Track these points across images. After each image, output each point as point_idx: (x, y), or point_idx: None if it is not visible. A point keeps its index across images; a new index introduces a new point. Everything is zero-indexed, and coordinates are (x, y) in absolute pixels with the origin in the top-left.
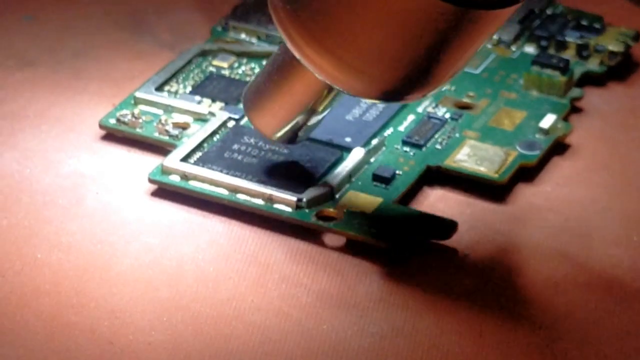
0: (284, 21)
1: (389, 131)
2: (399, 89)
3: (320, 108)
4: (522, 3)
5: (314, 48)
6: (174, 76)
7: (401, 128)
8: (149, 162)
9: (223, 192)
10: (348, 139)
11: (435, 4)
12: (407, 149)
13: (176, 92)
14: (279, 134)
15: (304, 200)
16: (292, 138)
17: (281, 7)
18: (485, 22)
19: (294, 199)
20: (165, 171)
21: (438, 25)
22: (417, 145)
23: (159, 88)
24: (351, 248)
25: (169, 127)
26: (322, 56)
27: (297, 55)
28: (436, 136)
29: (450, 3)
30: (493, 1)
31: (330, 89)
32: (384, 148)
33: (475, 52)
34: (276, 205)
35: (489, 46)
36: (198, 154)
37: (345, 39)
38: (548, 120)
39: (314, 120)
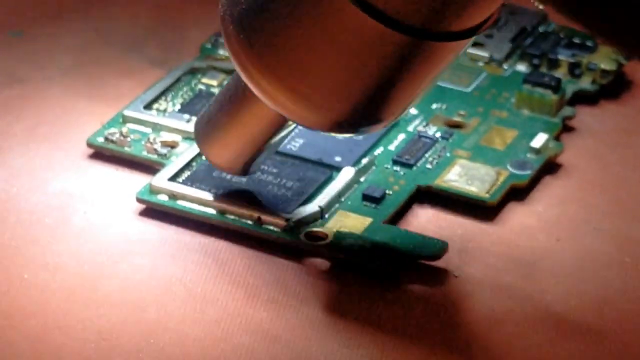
0: (237, 50)
1: (379, 150)
2: (352, 120)
3: (273, 140)
4: (473, 38)
5: (266, 78)
6: (162, 94)
7: (391, 147)
8: (137, 181)
9: (211, 211)
10: (338, 158)
11: (388, 35)
12: (397, 168)
13: (165, 111)
14: (231, 166)
15: (293, 220)
16: (244, 170)
17: (234, 36)
18: (440, 53)
19: (283, 219)
20: (153, 190)
21: (391, 56)
22: (407, 165)
23: (148, 106)
24: (340, 268)
25: (158, 146)
26: (275, 86)
27: (249, 84)
28: (427, 155)
29: (404, 34)
30: (449, 34)
31: (283, 120)
32: (374, 167)
33: (429, 84)
34: (265, 225)
35: (481, 64)
36: (186, 173)
37: (296, 68)
38: (540, 140)
39: (265, 152)
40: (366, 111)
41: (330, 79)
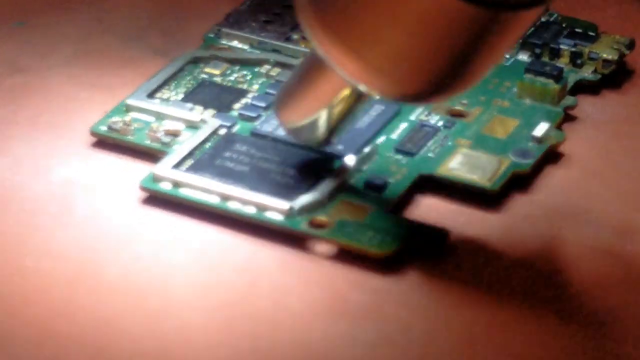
0: (310, 21)
1: (381, 139)
2: (423, 91)
3: (348, 111)
4: (548, 4)
5: (338, 47)
6: (165, 83)
7: (393, 136)
8: (140, 169)
9: (214, 199)
10: (340, 147)
11: (460, 7)
12: (399, 156)
13: (168, 99)
14: (312, 137)
15: (296, 208)
16: (326, 139)
17: (307, 6)
18: (512, 23)
19: (286, 207)
20: (156, 179)
21: (463, 28)
22: (409, 153)
23: (151, 95)
24: (343, 256)
25: (161, 135)
26: (347, 55)
27: (321, 54)
28: (429, 144)
29: (476, 5)
30: (519, 2)
31: (357, 92)
32: (376, 156)
33: (502, 55)
34: (267, 213)
35: None
36: (189, 162)
37: (369, 39)
38: (541, 129)
39: (347, 120)
40: (438, 83)
41: (402, 49)
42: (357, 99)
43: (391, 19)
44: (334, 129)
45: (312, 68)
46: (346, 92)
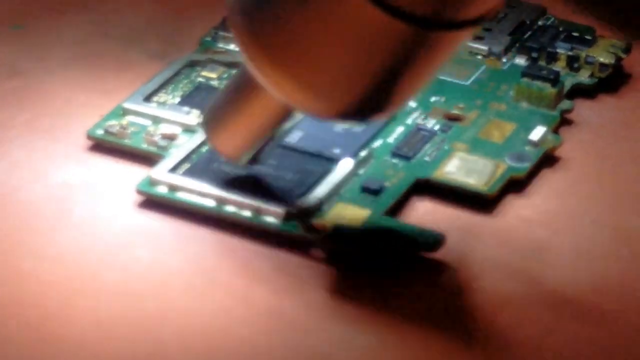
0: (243, 39)
1: (377, 143)
2: (357, 110)
3: (281, 128)
4: (481, 25)
5: (271, 66)
6: (162, 87)
7: (390, 139)
8: (137, 173)
9: (211, 203)
10: (336, 151)
11: (394, 25)
12: (395, 160)
13: (165, 103)
14: (239, 156)
15: (292, 211)
16: (253, 160)
17: (241, 25)
18: (445, 43)
19: (282, 210)
20: (153, 182)
21: (398, 46)
22: (406, 157)
23: (147, 98)
24: (339, 260)
25: (157, 138)
26: (280, 74)
27: (255, 73)
28: (425, 148)
29: (410, 24)
30: (454, 23)
31: (288, 110)
32: (372, 160)
33: (434, 72)
34: (264, 217)
35: (479, 57)
36: (186, 165)
37: (302, 57)
38: (538, 133)
39: (274, 140)
40: (371, 101)
41: (335, 68)
42: (285, 119)
43: (324, 37)
44: (261, 149)
45: (244, 88)
46: (280, 112)
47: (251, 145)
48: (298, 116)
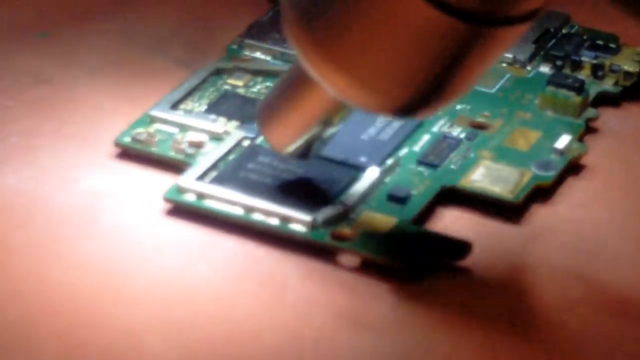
0: (296, 35)
1: (404, 151)
2: (411, 106)
3: (332, 123)
4: (534, 20)
5: (325, 62)
6: (189, 94)
7: (416, 148)
8: (164, 180)
9: (238, 211)
10: (363, 159)
11: (448, 22)
12: (422, 168)
13: (191, 111)
14: (291, 149)
15: (319, 220)
16: (304, 153)
17: (294, 20)
18: (498, 39)
19: (309, 218)
20: (180, 190)
21: (451, 43)
22: (432, 165)
23: (174, 106)
24: (366, 268)
25: (184, 146)
26: (334, 71)
27: (309, 69)
28: (451, 156)
29: (464, 21)
30: (506, 18)
31: (341, 105)
32: (398, 168)
33: (488, 68)
34: (291, 225)
35: (504, 65)
36: (213, 173)
37: (357, 54)
38: (563, 141)
39: (325, 135)
40: (423, 97)
41: (389, 64)
42: (338, 114)
43: (378, 33)
44: (312, 143)
45: (297, 82)
46: (334, 107)
47: (301, 137)
48: (350, 111)
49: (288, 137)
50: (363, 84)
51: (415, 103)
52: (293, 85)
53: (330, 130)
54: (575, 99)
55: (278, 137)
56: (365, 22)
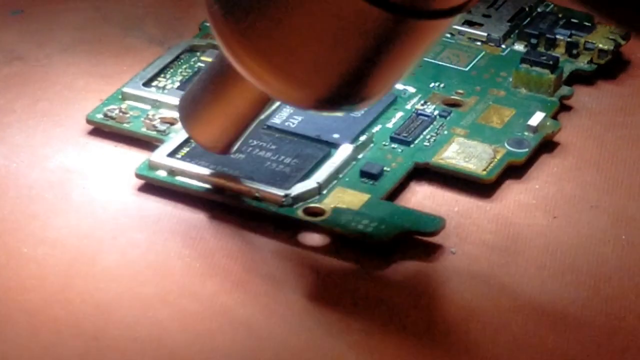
0: (221, 28)
1: (377, 128)
2: (334, 99)
3: (257, 119)
4: (458, 15)
5: (249, 55)
6: (162, 71)
7: (389, 125)
8: (136, 157)
9: (209, 187)
10: (336, 135)
11: (368, 11)
12: (395, 145)
13: (164, 88)
14: (215, 145)
15: (291, 196)
16: (227, 149)
17: (218, 14)
18: (423, 32)
19: (281, 194)
20: (152, 166)
21: (373, 33)
22: (405, 142)
23: (147, 83)
24: (338, 244)
25: (157, 123)
26: (257, 62)
27: (233, 62)
28: (424, 133)
29: (385, 11)
30: (431, 12)
31: (266, 99)
32: (372, 144)
33: (413, 63)
34: (263, 201)
35: (478, 43)
36: (185, 149)
37: (280, 45)
38: (537, 118)
39: (249, 131)
40: (349, 90)
41: (312, 56)
42: (263, 108)
43: (303, 23)
44: (237, 139)
45: (222, 77)
46: (257, 101)
47: (228, 134)
48: (275, 104)
49: (214, 134)
50: (287, 77)
51: (336, 96)
52: (217, 80)
53: (255, 127)
54: (549, 76)
55: (204, 134)
56: (285, 12)
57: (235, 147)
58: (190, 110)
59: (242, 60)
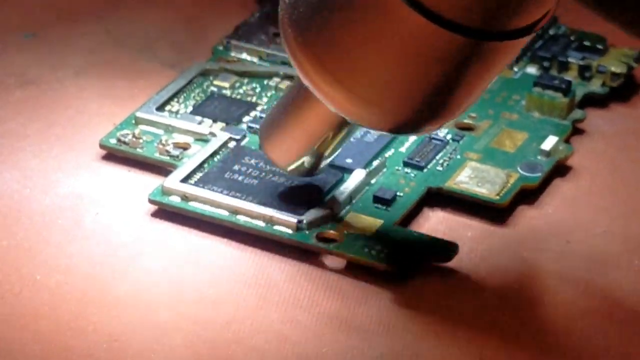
0: (296, 52)
1: (390, 152)
2: (412, 122)
3: (335, 141)
4: (534, 34)
5: (325, 80)
6: (175, 96)
7: (402, 149)
8: (149, 182)
9: (223, 213)
10: (349, 160)
11: (448, 37)
12: (408, 170)
13: (177, 112)
14: (294, 166)
15: (305, 221)
16: (309, 171)
17: (293, 38)
18: (498, 53)
19: (295, 220)
20: (165, 192)
21: (451, 58)
22: (418, 167)
23: (160, 108)
24: (352, 270)
25: (170, 148)
26: (334, 88)
27: (309, 87)
28: (437, 157)
29: (461, 35)
30: (505, 33)
31: (343, 122)
32: (385, 169)
33: (489, 83)
34: (276, 227)
35: None
36: (199, 175)
37: (357, 71)
38: (550, 142)
39: (330, 154)
40: (425, 112)
41: (389, 80)
42: (344, 132)
43: (378, 49)
44: (319, 161)
45: (298, 99)
46: (336, 124)
47: (304, 154)
48: (355, 127)
49: (291, 154)
50: (361, 99)
51: (415, 119)
52: (294, 103)
53: (335, 149)
54: (562, 100)
55: (281, 154)
56: (362, 38)
57: (320, 167)
58: (268, 131)
59: (317, 84)
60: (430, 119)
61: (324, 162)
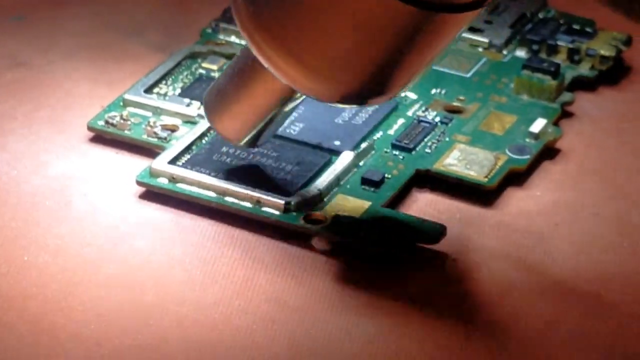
0: (245, 23)
1: (378, 135)
2: (360, 92)
3: (283, 111)
4: (484, 8)
5: (275, 50)
6: (163, 78)
7: (391, 131)
8: (137, 164)
9: (211, 194)
10: (337, 143)
11: (397, 7)
12: (396, 152)
13: (165, 94)
14: (242, 138)
15: (292, 203)
16: (252, 142)
17: (244, 8)
18: (448, 25)
19: (282, 202)
20: (153, 173)
21: (402, 29)
22: (406, 149)
23: (148, 90)
24: (339, 252)
25: (158, 130)
26: (283, 58)
27: (258, 57)
28: (426, 140)
29: (413, 6)
30: (456, 4)
31: (291, 92)
32: (373, 152)
33: (437, 55)
34: (264, 208)
35: (480, 50)
36: (186, 157)
37: (306, 40)
38: (538, 125)
39: (275, 123)
40: (373, 83)
41: (339, 51)
42: (294, 103)
43: (329, 19)
44: (262, 131)
45: (247, 72)
46: (282, 94)
47: (252, 127)
48: (300, 98)
49: (238, 127)
50: (310, 69)
51: (363, 90)
52: (242, 74)
53: (282, 121)
54: (551, 83)
55: (228, 126)
56: (312, 7)
57: (261, 141)
58: (215, 104)
59: (267, 54)
60: (377, 90)
61: (270, 133)
